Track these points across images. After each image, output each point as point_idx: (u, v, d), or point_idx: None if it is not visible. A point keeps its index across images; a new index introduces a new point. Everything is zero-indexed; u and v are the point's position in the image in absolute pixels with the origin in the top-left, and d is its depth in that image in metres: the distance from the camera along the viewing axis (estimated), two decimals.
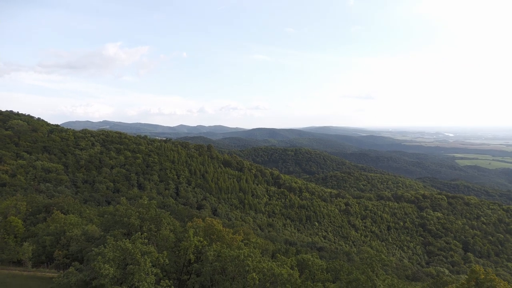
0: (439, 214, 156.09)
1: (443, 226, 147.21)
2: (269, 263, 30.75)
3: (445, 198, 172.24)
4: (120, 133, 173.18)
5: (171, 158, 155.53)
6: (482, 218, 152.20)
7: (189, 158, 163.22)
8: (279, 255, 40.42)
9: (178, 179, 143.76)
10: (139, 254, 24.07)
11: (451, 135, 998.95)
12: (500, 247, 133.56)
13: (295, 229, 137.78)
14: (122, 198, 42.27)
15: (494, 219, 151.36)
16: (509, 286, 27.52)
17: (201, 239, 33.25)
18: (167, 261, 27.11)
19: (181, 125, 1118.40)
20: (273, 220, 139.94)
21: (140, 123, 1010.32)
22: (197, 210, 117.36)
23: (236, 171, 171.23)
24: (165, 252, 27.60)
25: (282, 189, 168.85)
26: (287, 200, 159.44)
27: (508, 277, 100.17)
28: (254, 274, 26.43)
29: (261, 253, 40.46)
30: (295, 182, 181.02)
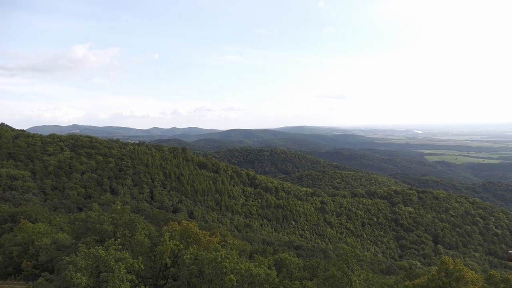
0: (410, 209, 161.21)
1: (414, 220, 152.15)
2: (247, 264, 30.73)
3: (416, 193, 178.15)
4: (91, 137, 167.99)
5: (145, 161, 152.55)
6: (451, 211, 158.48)
7: (164, 161, 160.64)
8: (256, 256, 40.47)
9: (153, 182, 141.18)
10: (113, 260, 23.42)
11: (420, 132, 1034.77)
12: (467, 238, 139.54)
13: (272, 228, 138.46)
14: (94, 204, 41.03)
15: (462, 211, 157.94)
16: (476, 274, 28.83)
17: (177, 242, 32.78)
18: (142, 266, 26.51)
19: (155, 127, 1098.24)
20: (250, 221, 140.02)
21: (111, 127, 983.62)
22: (172, 214, 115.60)
23: (212, 173, 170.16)
24: (140, 257, 27.00)
25: (258, 190, 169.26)
26: (263, 200, 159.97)
27: (476, 266, 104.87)
28: (231, 275, 26.33)
29: (238, 254, 40.36)
30: (271, 182, 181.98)
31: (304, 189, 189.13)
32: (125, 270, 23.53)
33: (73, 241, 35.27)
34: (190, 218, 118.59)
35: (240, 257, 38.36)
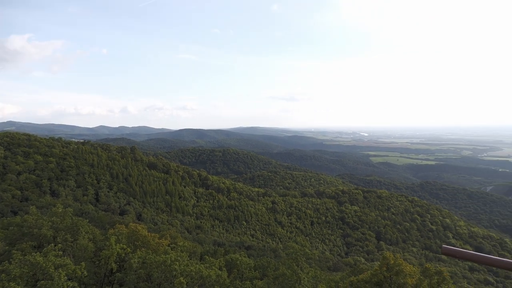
0: (356, 208, 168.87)
1: (360, 218, 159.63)
2: (197, 265, 30.36)
3: (361, 192, 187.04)
4: (29, 135, 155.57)
5: (90, 161, 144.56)
6: (392, 209, 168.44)
7: (111, 161, 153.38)
8: (207, 257, 40.13)
9: (98, 183, 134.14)
10: (52, 267, 21.93)
11: (365, 134, 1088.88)
12: (406, 234, 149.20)
13: (223, 229, 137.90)
14: (31, 207, 38.05)
15: (402, 209, 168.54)
16: (414, 268, 31.00)
17: (124, 246, 31.50)
18: (85, 272, 25.11)
19: (102, 126, 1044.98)
20: (201, 222, 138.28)
21: (53, 124, 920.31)
22: (120, 216, 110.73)
23: (162, 173, 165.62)
24: (83, 263, 25.55)
25: (210, 190, 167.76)
26: (215, 201, 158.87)
27: (413, 260, 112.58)
28: (181, 278, 25.85)
29: (189, 256, 39.73)
30: (223, 183, 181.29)
31: (256, 189, 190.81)
32: (66, 277, 22.13)
33: (7, 247, 32.48)
34: (139, 220, 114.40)
35: (190, 259, 37.79)
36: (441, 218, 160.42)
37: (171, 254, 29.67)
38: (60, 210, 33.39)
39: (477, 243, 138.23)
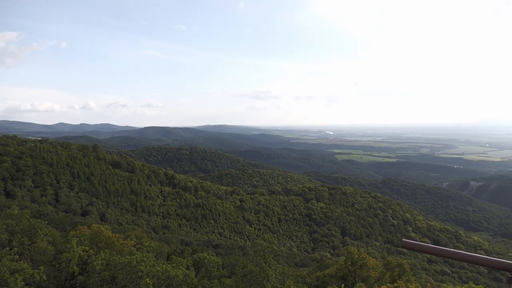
0: (322, 204, 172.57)
1: (325, 215, 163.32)
2: (164, 266, 29.79)
3: (327, 189, 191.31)
4: None
5: (49, 160, 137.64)
6: (356, 205, 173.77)
7: (71, 160, 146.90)
8: (174, 257, 39.49)
9: (58, 183, 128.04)
10: (8, 273, 20.68)
11: (331, 133, 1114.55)
12: (370, 229, 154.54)
13: (191, 228, 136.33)
14: None
15: (365, 205, 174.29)
16: (376, 261, 32.19)
17: (87, 248, 30.32)
18: (44, 277, 23.91)
19: (61, 123, 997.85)
20: (168, 222, 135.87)
21: (7, 121, 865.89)
22: (82, 217, 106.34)
23: (127, 172, 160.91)
24: (41, 267, 24.31)
25: (177, 189, 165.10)
26: (182, 200, 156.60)
27: (376, 254, 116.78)
28: (147, 279, 25.25)
29: (155, 257, 38.90)
30: (191, 181, 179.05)
31: (224, 187, 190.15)
32: (23, 283, 20.96)
33: None
34: (102, 221, 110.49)
35: (157, 259, 37.02)
36: (401, 213, 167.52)
37: (136, 255, 28.91)
38: (15, 212, 31.57)
39: (435, 236, 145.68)
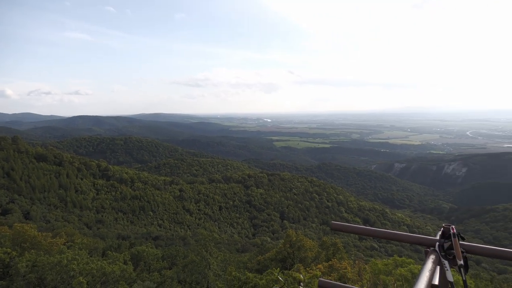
0: (261, 191, 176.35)
1: (265, 200, 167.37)
2: (99, 262, 28.31)
3: (266, 176, 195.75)
4: None
5: None
6: (294, 190, 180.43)
7: None
8: (110, 252, 37.74)
9: None
10: None
11: (269, 120, 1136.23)
12: (307, 212, 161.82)
13: (128, 221, 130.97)
14: None
15: (302, 189, 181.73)
16: (313, 242, 33.95)
17: (8, 250, 27.64)
18: None
19: None
20: (102, 216, 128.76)
21: None
22: (2, 216, 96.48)
23: (54, 166, 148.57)
24: None
25: (112, 182, 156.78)
26: (118, 192, 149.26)
27: (313, 235, 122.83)
28: (81, 278, 23.83)
29: (89, 254, 36.80)
30: (126, 173, 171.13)
31: (162, 178, 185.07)
32: None
33: None
34: (26, 219, 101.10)
35: (91, 256, 35.06)
36: (335, 195, 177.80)
37: (67, 253, 27.07)
38: None
39: (365, 215, 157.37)
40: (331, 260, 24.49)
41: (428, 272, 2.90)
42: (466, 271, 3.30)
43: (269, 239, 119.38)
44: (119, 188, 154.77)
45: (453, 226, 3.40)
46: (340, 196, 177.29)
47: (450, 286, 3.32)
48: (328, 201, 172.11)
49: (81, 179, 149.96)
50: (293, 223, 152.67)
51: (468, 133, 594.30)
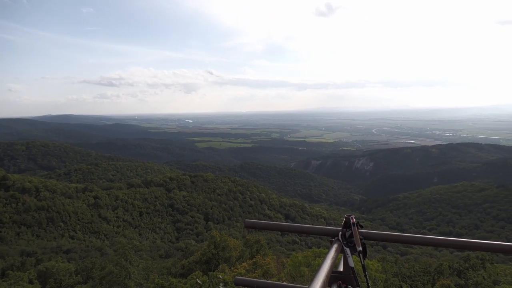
0: (184, 193, 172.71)
1: (188, 202, 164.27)
2: None
3: (189, 177, 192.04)
4: None
5: None
6: (217, 191, 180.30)
7: None
8: (11, 272, 33.47)
9: None
10: None
11: (190, 121, 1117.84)
12: (231, 212, 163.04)
13: (33, 236, 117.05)
14: None
15: (226, 190, 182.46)
16: (237, 241, 34.33)
17: None
18: None
19: None
20: (1, 232, 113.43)
21: None
22: None
23: None
24: None
25: (12, 192, 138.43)
26: (19, 204, 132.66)
27: (238, 234, 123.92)
28: None
29: None
30: (30, 181, 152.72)
31: (74, 185, 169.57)
32: None
33: None
34: None
35: None
36: (258, 193, 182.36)
37: None
38: None
39: (286, 211, 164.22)
40: (255, 257, 24.99)
41: (330, 260, 3.06)
42: (364, 256, 3.66)
43: (193, 242, 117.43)
44: (21, 199, 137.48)
45: (353, 216, 3.79)
46: (263, 194, 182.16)
47: (351, 271, 3.63)
48: (251, 200, 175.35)
49: None
50: (217, 223, 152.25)
51: (373, 130, 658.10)
